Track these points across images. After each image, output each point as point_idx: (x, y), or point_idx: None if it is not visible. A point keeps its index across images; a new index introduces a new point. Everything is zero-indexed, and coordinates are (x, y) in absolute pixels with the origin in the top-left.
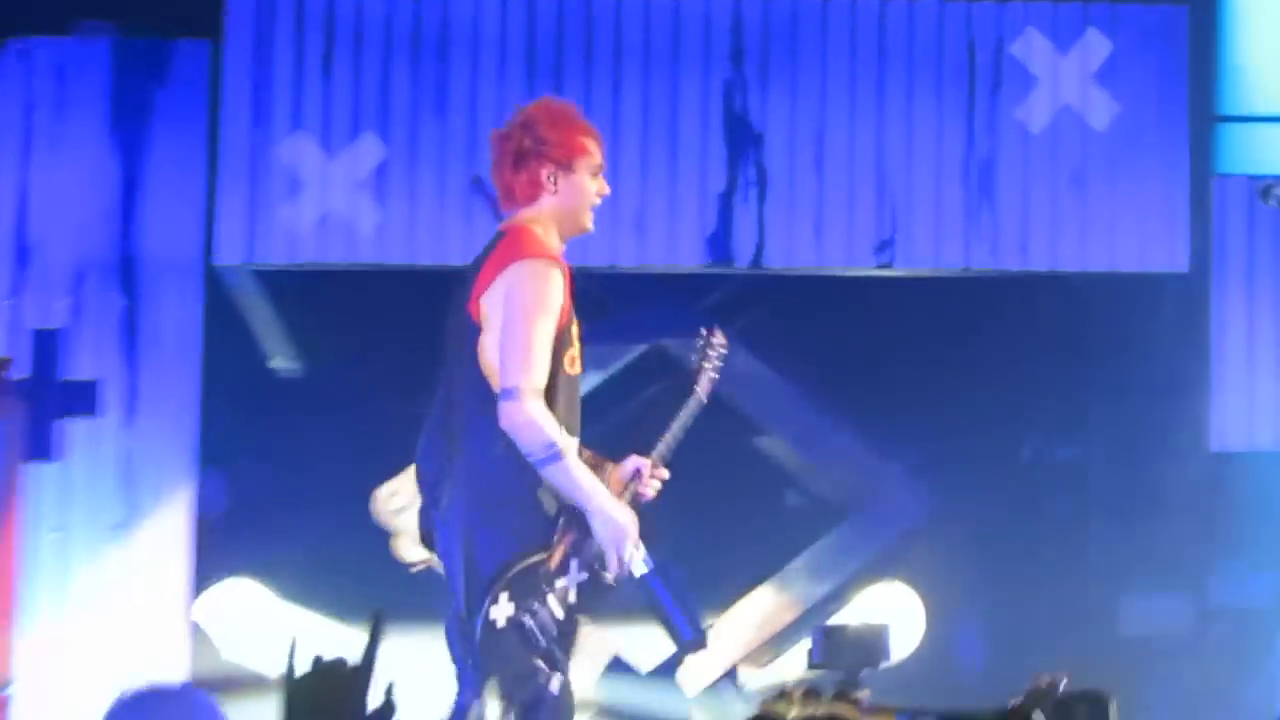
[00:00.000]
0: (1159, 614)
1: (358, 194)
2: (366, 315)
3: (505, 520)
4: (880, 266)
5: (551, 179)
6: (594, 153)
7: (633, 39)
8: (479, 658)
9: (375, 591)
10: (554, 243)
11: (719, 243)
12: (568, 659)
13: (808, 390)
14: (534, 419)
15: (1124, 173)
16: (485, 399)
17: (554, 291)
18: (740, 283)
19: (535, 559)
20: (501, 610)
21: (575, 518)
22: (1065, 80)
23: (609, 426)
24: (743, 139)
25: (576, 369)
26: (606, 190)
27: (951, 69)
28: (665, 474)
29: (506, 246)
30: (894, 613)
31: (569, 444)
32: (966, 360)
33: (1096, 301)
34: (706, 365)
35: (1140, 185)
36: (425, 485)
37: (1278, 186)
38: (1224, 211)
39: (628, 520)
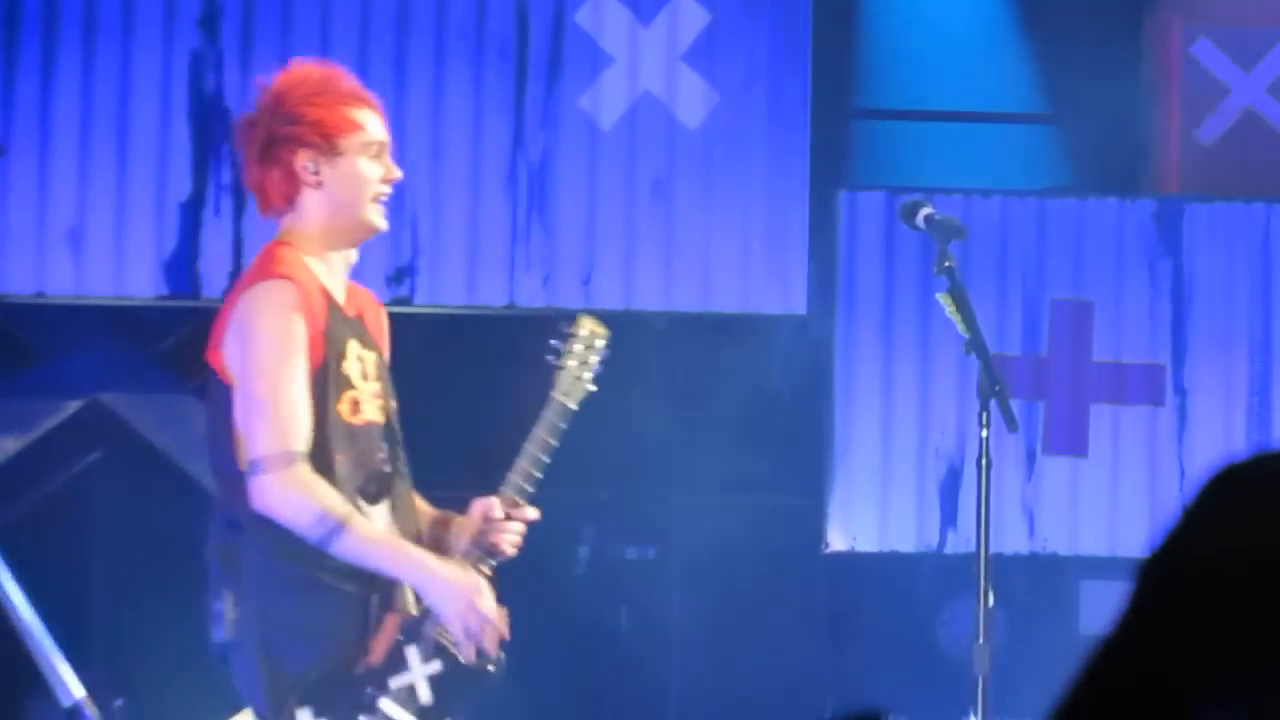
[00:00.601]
0: None
1: None
2: None
3: (304, 620)
4: (396, 301)
5: (311, 168)
6: (367, 126)
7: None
8: None
9: None
10: (324, 259)
11: (181, 268)
12: None
13: None
14: (290, 492)
15: (723, 183)
16: (241, 479)
17: (285, 322)
18: (210, 320)
19: (346, 658)
20: None
21: (401, 597)
22: (648, 61)
23: (33, 505)
24: (215, 131)
25: (364, 415)
26: (396, 174)
27: (495, 43)
28: (530, 515)
29: (245, 278)
30: None
31: (350, 511)
32: (506, 425)
33: (682, 352)
34: (569, 361)
35: (745, 199)
36: (210, 600)
37: (927, 205)
38: (856, 236)
39: (466, 579)
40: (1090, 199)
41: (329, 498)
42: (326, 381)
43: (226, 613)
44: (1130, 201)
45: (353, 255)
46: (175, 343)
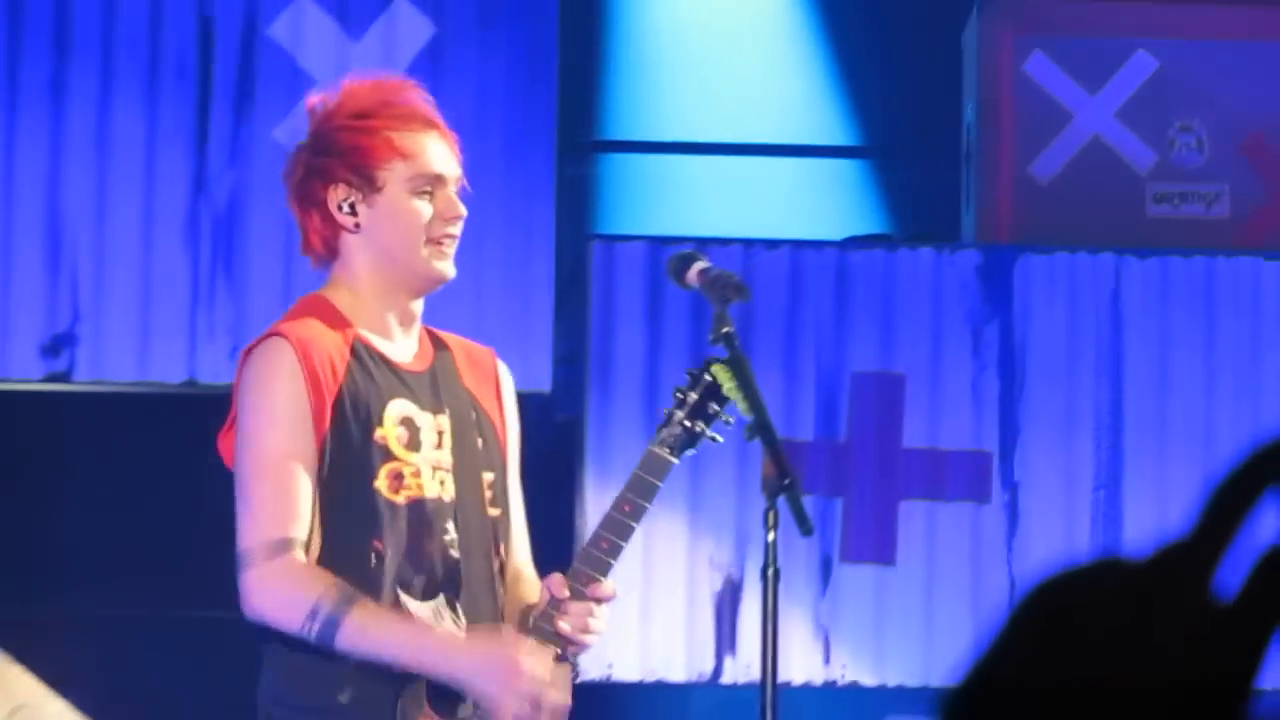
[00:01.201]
0: None
1: None
2: None
3: None
4: (51, 377)
5: (346, 207)
6: (417, 153)
7: None
8: None
9: None
10: (377, 315)
11: None
12: None
13: None
14: (274, 586)
15: None
16: None
17: (273, 387)
18: None
19: None
20: None
21: (430, 709)
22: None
23: None
24: None
25: (411, 491)
26: (458, 211)
27: (173, 62)
28: (605, 592)
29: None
30: None
31: (348, 597)
32: (193, 514)
33: None
34: (677, 412)
35: (475, 251)
36: None
37: (701, 259)
38: (612, 295)
39: (493, 656)
40: (901, 250)
41: (319, 585)
42: (350, 453)
43: None
44: (950, 253)
45: (415, 306)
46: None
